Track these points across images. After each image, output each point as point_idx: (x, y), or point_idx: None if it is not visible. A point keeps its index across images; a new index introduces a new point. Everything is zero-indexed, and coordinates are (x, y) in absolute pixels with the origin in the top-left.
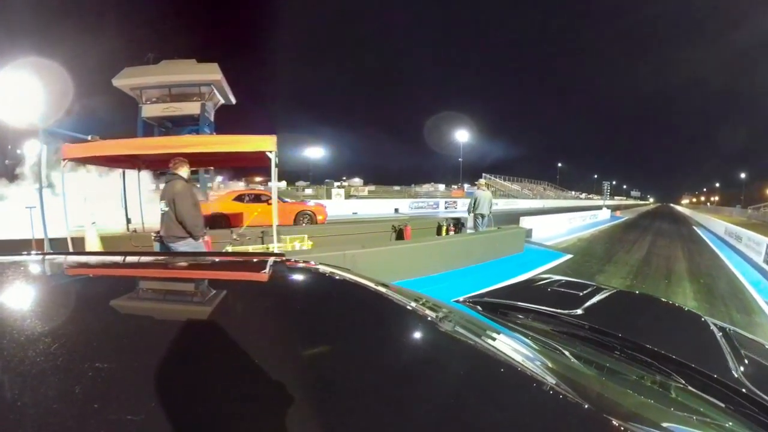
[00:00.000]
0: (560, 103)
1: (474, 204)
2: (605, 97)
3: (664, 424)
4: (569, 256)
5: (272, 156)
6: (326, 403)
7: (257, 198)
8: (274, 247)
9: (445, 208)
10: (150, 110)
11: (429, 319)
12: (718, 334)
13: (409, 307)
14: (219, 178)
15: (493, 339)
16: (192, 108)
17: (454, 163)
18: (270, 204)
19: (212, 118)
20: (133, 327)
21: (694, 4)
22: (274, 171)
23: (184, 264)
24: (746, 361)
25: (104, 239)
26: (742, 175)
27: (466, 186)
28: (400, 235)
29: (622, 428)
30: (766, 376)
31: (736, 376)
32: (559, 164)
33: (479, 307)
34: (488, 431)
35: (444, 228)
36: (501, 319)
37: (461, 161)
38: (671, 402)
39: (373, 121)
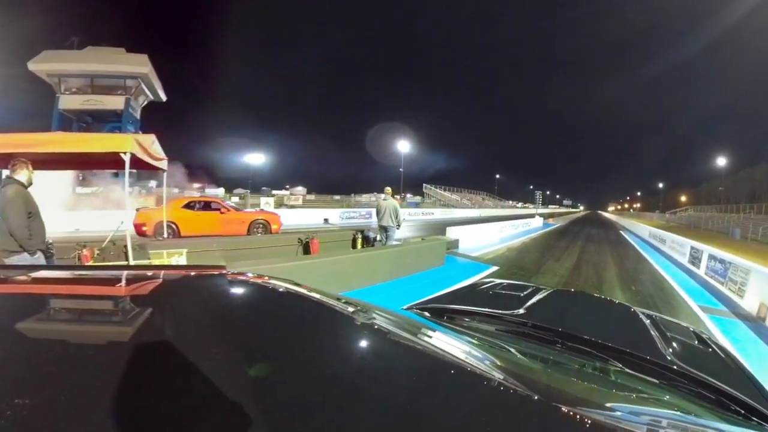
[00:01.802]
0: (501, 119)
1: (376, 214)
2: (541, 115)
3: (608, 404)
4: (495, 268)
5: (126, 158)
6: (278, 421)
7: (207, 206)
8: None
9: None
10: (68, 101)
11: (377, 327)
12: (647, 322)
13: (357, 317)
14: (152, 183)
15: (442, 343)
16: (115, 102)
17: (398, 173)
18: (223, 213)
19: (138, 116)
20: (48, 354)
21: (622, 34)
22: (126, 175)
23: (101, 279)
24: (673, 343)
25: None
26: (660, 185)
27: (408, 196)
28: (307, 249)
29: (571, 413)
30: (690, 354)
31: (665, 355)
32: (498, 176)
33: (427, 314)
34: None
35: (359, 241)
36: (449, 324)
37: (402, 171)
38: (612, 384)
39: (321, 130)
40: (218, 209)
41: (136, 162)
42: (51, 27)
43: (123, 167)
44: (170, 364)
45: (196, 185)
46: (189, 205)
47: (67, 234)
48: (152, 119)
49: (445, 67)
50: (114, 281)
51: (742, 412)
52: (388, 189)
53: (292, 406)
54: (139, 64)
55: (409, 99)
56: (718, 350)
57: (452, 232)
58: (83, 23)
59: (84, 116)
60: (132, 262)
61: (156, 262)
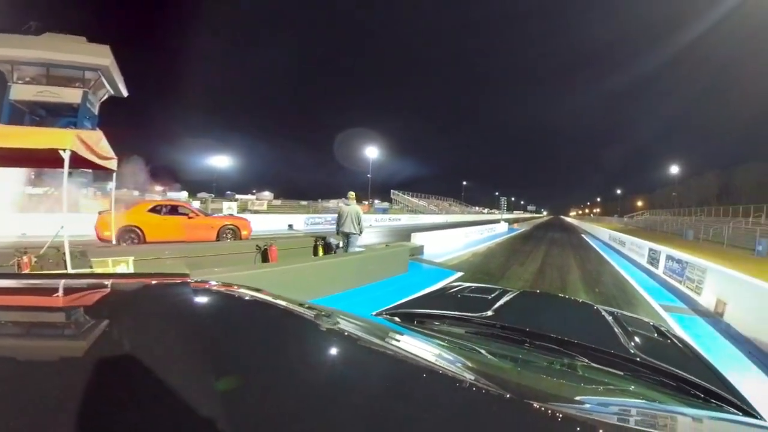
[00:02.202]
0: (469, 128)
1: (338, 220)
2: (507, 124)
3: (577, 398)
4: (459, 273)
5: (65, 155)
6: None
7: (174, 210)
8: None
9: None
10: (21, 92)
11: (347, 333)
12: (609, 318)
13: (327, 324)
14: (110, 185)
15: (414, 347)
16: (72, 95)
17: (367, 179)
18: (192, 218)
19: (96, 111)
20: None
21: (583, 50)
22: (65, 174)
23: (46, 289)
24: (635, 337)
25: None
26: (618, 191)
27: (377, 202)
28: (265, 256)
29: (543, 408)
30: (651, 346)
31: (628, 349)
32: (465, 182)
33: (397, 319)
34: None
35: (321, 248)
36: (419, 328)
37: (370, 177)
38: (580, 379)
39: (292, 135)
40: (186, 214)
41: (79, 160)
42: (7, 8)
43: (60, 164)
44: (133, 378)
45: (159, 187)
46: (155, 209)
47: (17, 239)
48: (112, 115)
49: (415, 76)
50: (63, 291)
51: (702, 395)
52: (352, 194)
53: (264, 417)
54: (100, 56)
55: (379, 106)
56: (676, 341)
57: (417, 238)
58: (45, 7)
59: (37, 109)
60: (70, 271)
61: (99, 270)
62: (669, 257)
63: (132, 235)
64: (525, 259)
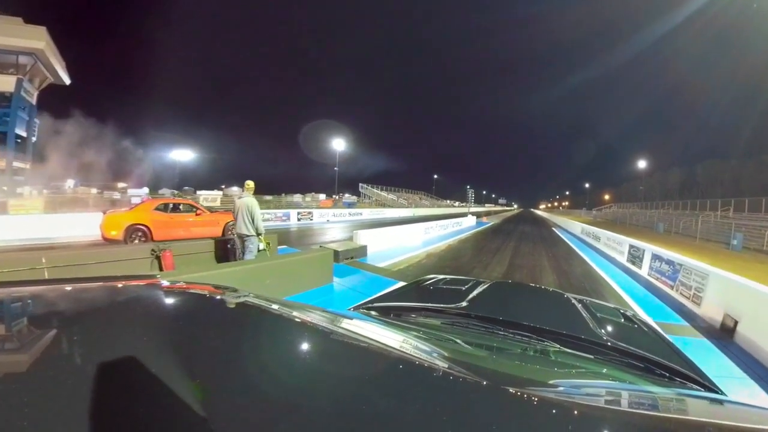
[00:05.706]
0: (441, 122)
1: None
2: (479, 119)
3: (551, 382)
4: (400, 283)
5: None
6: None
7: (176, 207)
8: None
9: (298, 220)
10: None
11: (322, 328)
12: (579, 306)
13: (303, 319)
14: (71, 182)
15: (390, 339)
16: (4, 83)
17: (342, 173)
18: (199, 215)
19: (34, 101)
20: None
21: (551, 45)
22: None
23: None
24: (603, 322)
25: None
26: (587, 185)
27: (346, 196)
28: (160, 262)
29: (519, 393)
30: (619, 330)
31: (598, 333)
32: (435, 176)
33: (374, 312)
34: (395, 426)
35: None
36: (395, 320)
37: (337, 170)
38: (553, 364)
39: (262, 130)
40: (192, 211)
41: None
42: None
43: None
44: (113, 383)
45: (121, 184)
46: (162, 207)
47: None
48: (57, 104)
49: (388, 70)
50: (22, 298)
51: (667, 375)
52: (249, 183)
53: (251, 415)
54: (34, 38)
55: (352, 100)
56: (642, 325)
57: (361, 237)
58: None
59: None
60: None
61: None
62: (656, 257)
63: (139, 234)
64: (490, 260)
